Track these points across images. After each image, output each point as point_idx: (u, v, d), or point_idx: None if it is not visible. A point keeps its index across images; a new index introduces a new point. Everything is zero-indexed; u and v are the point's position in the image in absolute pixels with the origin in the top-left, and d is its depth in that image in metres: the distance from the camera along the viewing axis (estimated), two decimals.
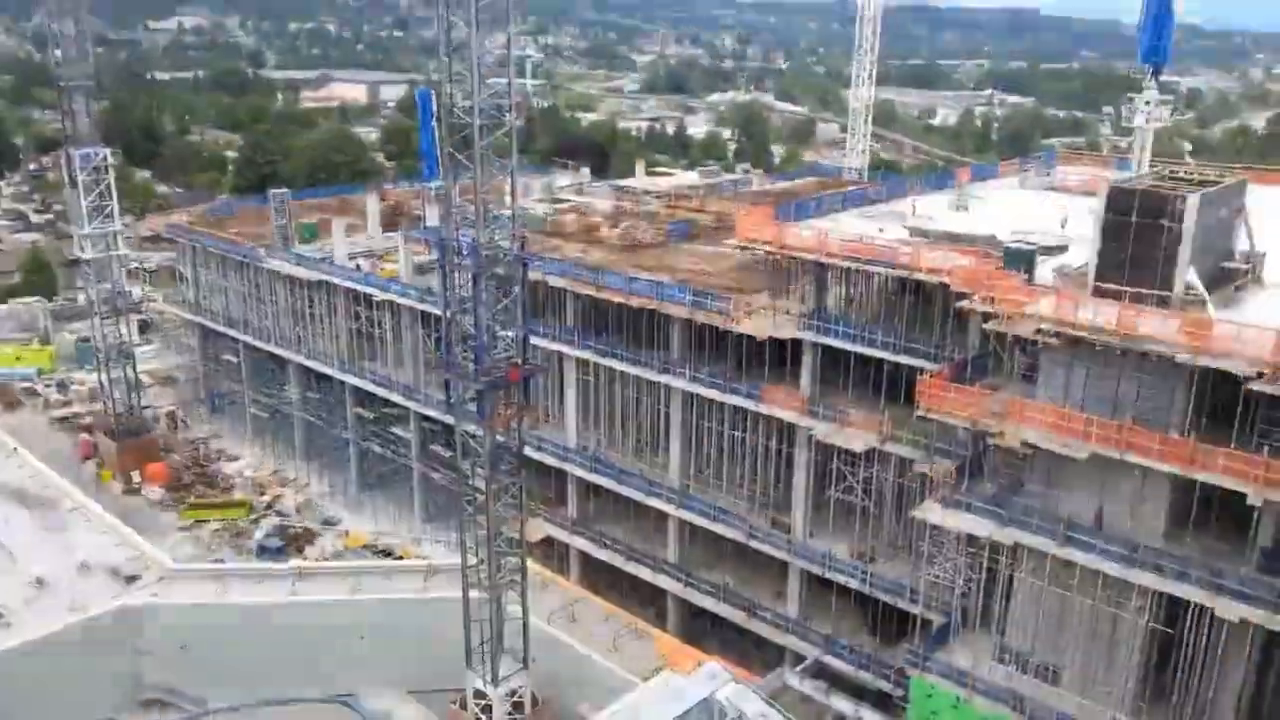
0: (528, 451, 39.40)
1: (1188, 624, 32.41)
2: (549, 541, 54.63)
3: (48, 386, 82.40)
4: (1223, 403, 32.36)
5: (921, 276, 40.81)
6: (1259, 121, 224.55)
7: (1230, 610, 31.04)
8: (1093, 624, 34.66)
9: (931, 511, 36.93)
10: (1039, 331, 33.90)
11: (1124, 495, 33.82)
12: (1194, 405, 32.47)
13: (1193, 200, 33.38)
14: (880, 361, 42.65)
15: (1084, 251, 37.67)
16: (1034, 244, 41.81)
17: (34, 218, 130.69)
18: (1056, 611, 35.43)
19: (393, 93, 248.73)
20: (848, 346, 43.16)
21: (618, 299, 49.43)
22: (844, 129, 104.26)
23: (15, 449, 58.59)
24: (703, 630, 49.54)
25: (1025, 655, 36.68)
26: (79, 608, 42.19)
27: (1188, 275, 34.15)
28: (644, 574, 51.89)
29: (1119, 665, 34.64)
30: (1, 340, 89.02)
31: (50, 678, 39.63)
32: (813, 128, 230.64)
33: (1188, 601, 32.04)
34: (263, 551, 60.97)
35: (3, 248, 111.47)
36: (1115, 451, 32.65)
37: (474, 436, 34.13)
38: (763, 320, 45.18)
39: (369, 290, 62.62)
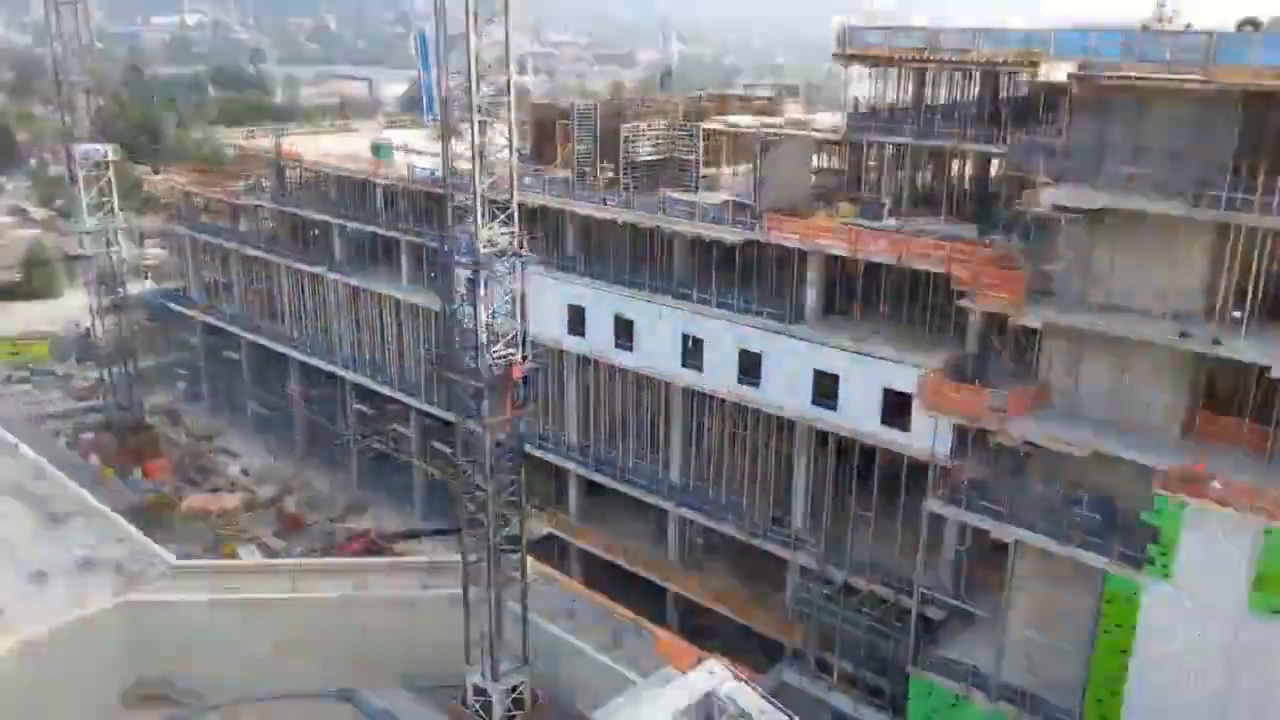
0: (528, 449, 39.33)
1: None
2: (550, 539, 54.58)
3: (45, 380, 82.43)
4: None
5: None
6: None
7: None
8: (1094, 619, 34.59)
9: (932, 506, 36.87)
10: None
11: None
12: None
13: None
14: None
15: None
16: None
17: (35, 213, 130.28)
18: (1058, 607, 35.37)
19: (393, 90, 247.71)
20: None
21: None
22: None
23: (16, 444, 58.59)
24: (703, 627, 49.44)
25: (1026, 652, 36.60)
26: (79, 604, 42.20)
27: None
28: (644, 571, 51.82)
29: None
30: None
31: (51, 673, 39.64)
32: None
33: None
34: None
35: (3, 244, 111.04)
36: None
37: (474, 434, 34.14)
38: None
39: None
